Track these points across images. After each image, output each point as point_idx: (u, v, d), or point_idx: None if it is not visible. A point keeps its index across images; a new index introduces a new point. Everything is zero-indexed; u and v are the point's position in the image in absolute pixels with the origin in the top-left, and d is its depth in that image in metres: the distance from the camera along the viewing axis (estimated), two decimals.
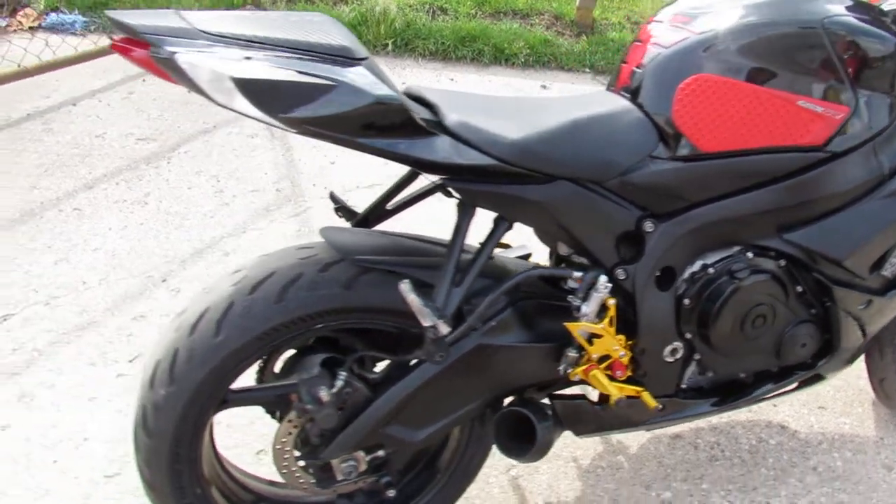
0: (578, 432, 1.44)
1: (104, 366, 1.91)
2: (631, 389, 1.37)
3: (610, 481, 1.71)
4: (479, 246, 1.25)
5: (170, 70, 0.98)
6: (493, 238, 1.24)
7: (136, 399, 1.22)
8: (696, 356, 1.44)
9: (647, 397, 1.38)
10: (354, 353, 1.29)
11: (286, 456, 1.29)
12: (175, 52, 0.97)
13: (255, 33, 1.03)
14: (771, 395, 1.54)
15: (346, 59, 1.05)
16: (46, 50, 3.35)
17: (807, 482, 1.75)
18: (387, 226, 1.40)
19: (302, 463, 1.30)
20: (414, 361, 1.26)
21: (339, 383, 1.22)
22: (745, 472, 1.76)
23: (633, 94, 1.33)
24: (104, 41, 3.56)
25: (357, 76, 1.03)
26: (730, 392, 1.51)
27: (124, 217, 2.52)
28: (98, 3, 4.08)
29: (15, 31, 4.06)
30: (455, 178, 1.17)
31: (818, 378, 1.55)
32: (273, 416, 1.41)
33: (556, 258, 1.46)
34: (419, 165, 1.14)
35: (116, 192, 2.66)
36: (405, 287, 1.13)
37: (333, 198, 1.43)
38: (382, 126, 1.06)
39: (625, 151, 1.26)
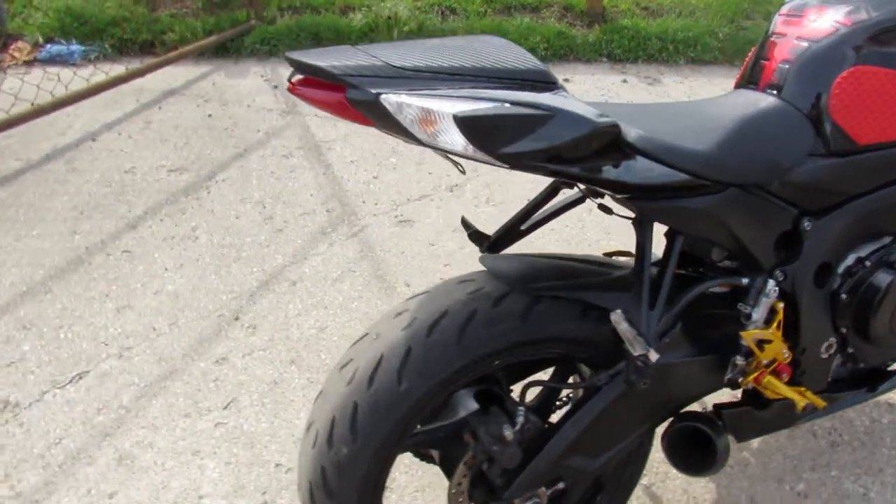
0: (740, 439, 1.41)
1: (199, 416, 1.81)
2: (796, 390, 1.33)
3: (742, 479, 1.68)
4: (648, 262, 1.19)
5: (368, 112, 0.92)
6: (674, 254, 1.18)
7: (303, 461, 1.14)
8: (849, 349, 1.41)
9: (811, 396, 1.34)
10: (505, 384, 1.23)
11: (461, 500, 1.22)
12: (380, 94, 0.90)
13: (447, 63, 0.96)
14: None
15: (544, 83, 0.99)
16: (56, 85, 3.20)
17: None
18: (520, 246, 1.34)
19: None
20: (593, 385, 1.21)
21: (519, 420, 1.16)
22: (868, 455, 1.75)
23: (780, 90, 1.27)
24: (115, 68, 3.42)
25: (567, 103, 0.96)
26: (875, 379, 1.50)
27: (177, 254, 2.41)
28: (96, 31, 3.92)
29: (9, 66, 3.90)
30: (637, 196, 1.10)
31: None
32: (421, 458, 1.34)
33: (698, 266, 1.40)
34: (614, 188, 1.07)
35: (162, 228, 2.54)
36: (617, 317, 1.08)
37: (465, 223, 1.36)
38: (594, 152, 0.99)
39: (787, 152, 1.22)
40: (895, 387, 1.54)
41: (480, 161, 0.96)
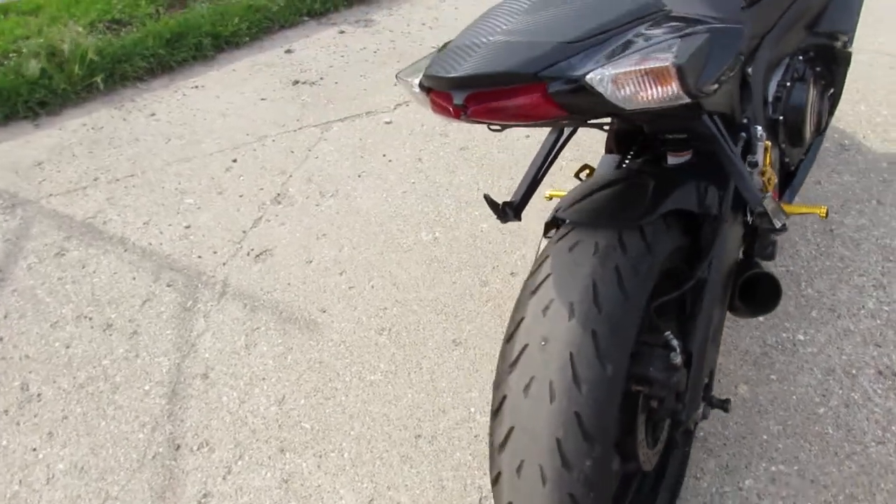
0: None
1: None
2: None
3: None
4: None
5: (571, 99, 0.92)
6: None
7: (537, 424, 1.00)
8: (786, 159, 1.66)
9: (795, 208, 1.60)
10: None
11: (644, 449, 1.22)
12: (585, 75, 0.90)
13: (580, 28, 0.97)
14: None
15: (657, 11, 1.04)
16: None
17: None
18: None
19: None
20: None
21: (674, 342, 1.13)
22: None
23: None
24: None
25: (694, 22, 1.02)
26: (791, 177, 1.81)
27: None
28: None
29: None
30: None
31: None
32: None
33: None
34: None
35: None
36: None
37: (488, 200, 1.43)
38: None
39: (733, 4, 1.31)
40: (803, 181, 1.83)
41: (678, 104, 0.96)
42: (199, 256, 2.22)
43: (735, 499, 1.45)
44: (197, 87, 3.29)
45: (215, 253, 2.23)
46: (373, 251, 2.17)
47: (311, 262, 2.16)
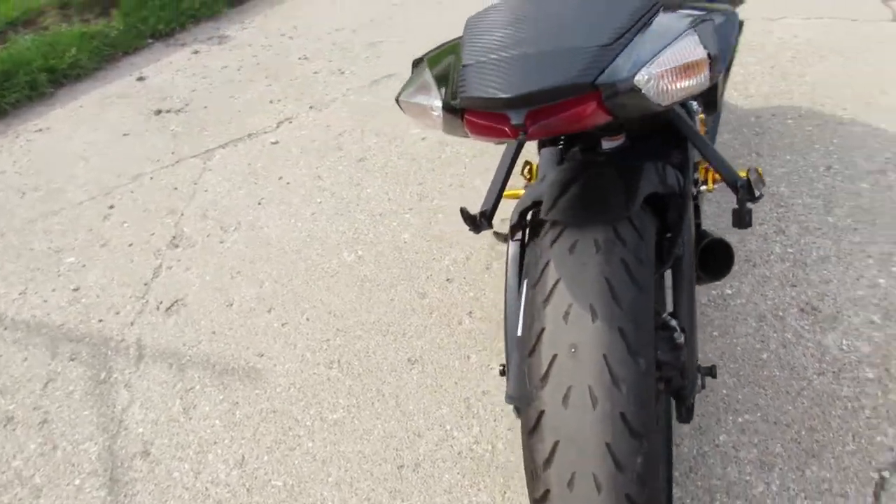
0: None
1: None
2: None
3: None
4: None
5: (624, 102, 0.94)
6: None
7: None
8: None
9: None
10: None
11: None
12: (633, 76, 0.91)
13: (618, 23, 0.98)
14: None
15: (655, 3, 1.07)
16: None
17: None
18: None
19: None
20: None
21: (672, 322, 1.16)
22: None
23: None
24: None
25: (696, 10, 1.09)
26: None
27: None
28: None
29: None
30: None
31: None
32: None
33: None
34: None
35: None
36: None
37: (464, 213, 1.42)
38: None
39: None
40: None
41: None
42: (100, 320, 1.99)
43: (715, 456, 1.52)
44: (41, 129, 2.95)
45: (118, 313, 2.01)
46: (297, 282, 2.05)
47: (231, 304, 2.00)
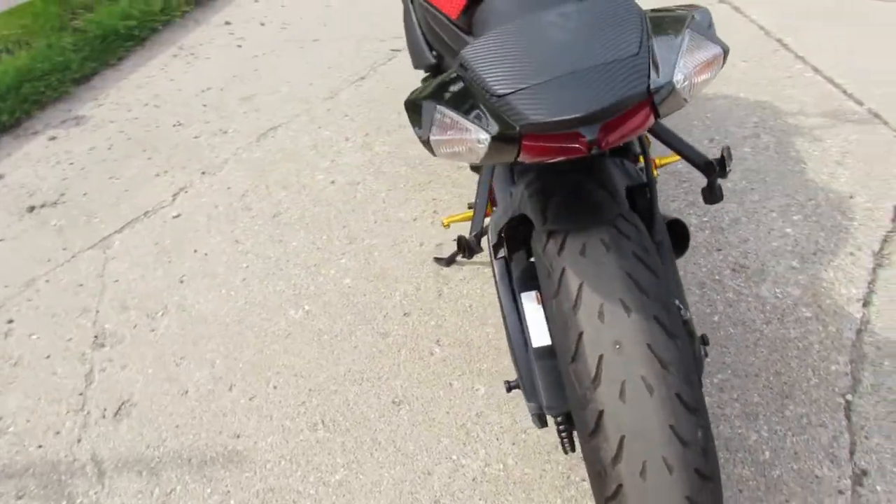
0: None
1: None
2: None
3: None
4: None
5: (670, 105, 1.00)
6: None
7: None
8: None
9: None
10: None
11: None
12: (672, 78, 0.98)
13: (632, 33, 1.04)
14: None
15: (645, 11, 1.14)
16: None
17: None
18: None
19: None
20: None
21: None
22: None
23: None
24: None
25: (680, 10, 1.17)
26: None
27: None
28: None
29: None
30: None
31: None
32: None
33: None
34: None
35: None
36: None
37: (460, 242, 1.45)
38: None
39: None
40: None
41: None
42: (40, 446, 1.79)
43: None
44: None
45: (58, 433, 1.81)
46: (250, 352, 1.96)
47: (186, 392, 1.87)
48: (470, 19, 1.53)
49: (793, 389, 1.66)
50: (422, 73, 1.97)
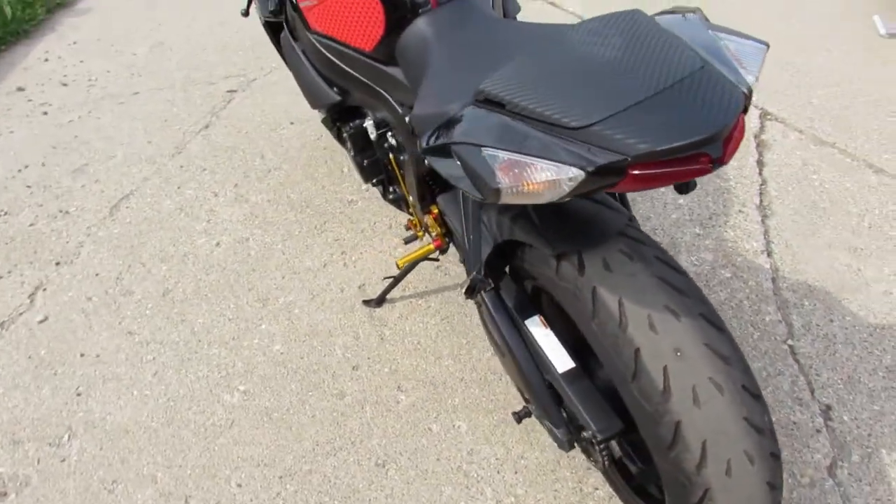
0: None
1: None
2: None
3: None
4: None
5: (748, 101, 0.95)
6: None
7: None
8: None
9: None
10: None
11: None
12: (746, 85, 0.94)
13: (689, 45, 1.00)
14: None
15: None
16: None
17: None
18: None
19: None
20: None
21: None
22: None
23: None
24: None
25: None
26: None
27: None
28: None
29: None
30: None
31: None
32: None
33: None
34: None
35: None
36: None
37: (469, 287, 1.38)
38: None
39: None
40: None
41: None
42: None
43: None
44: None
45: None
46: (194, 454, 1.73)
47: None
48: (389, 49, 1.46)
49: (743, 346, 1.79)
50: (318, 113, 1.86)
